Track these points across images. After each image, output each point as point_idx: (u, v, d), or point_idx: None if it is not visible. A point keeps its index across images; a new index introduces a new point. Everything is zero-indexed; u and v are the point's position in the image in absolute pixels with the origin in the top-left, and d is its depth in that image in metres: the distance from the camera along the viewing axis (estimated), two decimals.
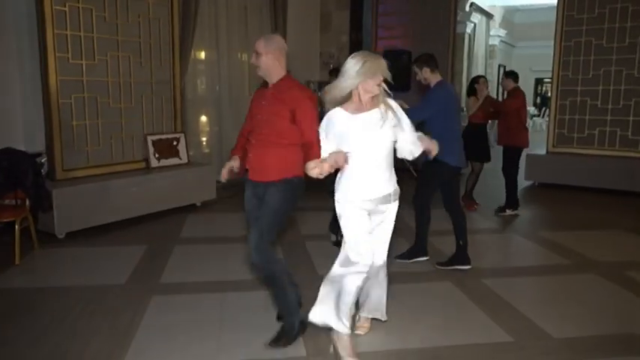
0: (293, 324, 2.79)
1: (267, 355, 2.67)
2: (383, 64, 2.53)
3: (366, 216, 2.62)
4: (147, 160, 5.67)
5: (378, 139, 2.54)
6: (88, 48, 5.03)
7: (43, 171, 4.76)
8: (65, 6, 4.79)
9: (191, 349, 2.71)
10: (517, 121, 5.71)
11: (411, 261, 4.20)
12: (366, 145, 2.53)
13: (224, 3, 7.08)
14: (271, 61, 2.72)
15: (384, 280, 2.88)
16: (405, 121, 2.66)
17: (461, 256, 4.05)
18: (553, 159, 7.49)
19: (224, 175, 2.91)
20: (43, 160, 4.87)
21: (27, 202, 4.17)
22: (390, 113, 2.57)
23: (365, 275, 2.57)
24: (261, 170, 2.78)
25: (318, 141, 2.63)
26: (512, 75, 5.93)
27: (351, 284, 2.54)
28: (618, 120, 7.07)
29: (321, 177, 2.47)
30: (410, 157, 2.74)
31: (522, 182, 7.58)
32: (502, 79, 6.09)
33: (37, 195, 4.20)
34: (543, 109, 18.74)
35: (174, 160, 5.87)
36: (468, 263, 4.04)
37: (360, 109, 2.55)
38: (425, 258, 4.23)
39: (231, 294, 3.44)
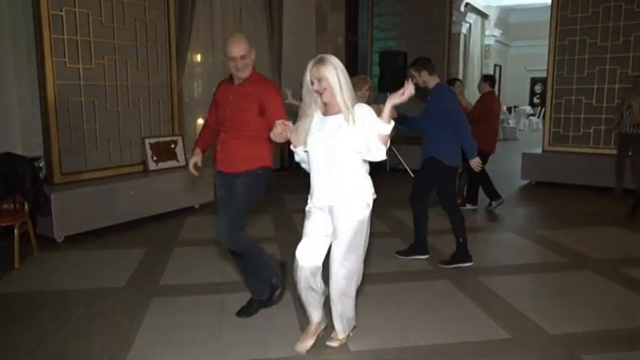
0: (277, 280, 3.12)
1: (268, 355, 2.69)
2: None
3: (320, 216, 2.57)
4: (145, 163, 5.69)
5: (328, 145, 2.46)
6: (85, 52, 5.05)
7: (42, 175, 4.77)
8: (62, 10, 4.80)
9: (191, 351, 2.73)
10: (485, 125, 5.58)
11: (409, 258, 4.25)
12: (316, 149, 2.50)
13: (219, 6, 7.11)
14: (251, 61, 2.92)
15: (334, 293, 2.61)
16: (366, 123, 2.42)
17: (462, 253, 4.09)
18: (549, 158, 7.53)
19: (193, 173, 3.07)
20: (41, 164, 4.89)
21: (26, 207, 4.19)
22: (351, 119, 2.42)
23: (299, 274, 2.59)
24: (228, 162, 2.97)
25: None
26: (488, 79, 5.92)
27: (295, 278, 2.64)
28: (613, 118, 7.12)
29: (284, 139, 2.49)
30: (370, 156, 2.45)
31: (519, 181, 7.65)
32: (480, 82, 6.04)
33: (35, 199, 4.22)
34: (540, 108, 18.82)
35: (172, 163, 5.89)
36: (470, 260, 4.08)
37: (328, 112, 2.52)
38: (425, 256, 4.26)
39: (230, 295, 3.45)
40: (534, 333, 2.96)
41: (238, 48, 2.84)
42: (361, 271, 2.67)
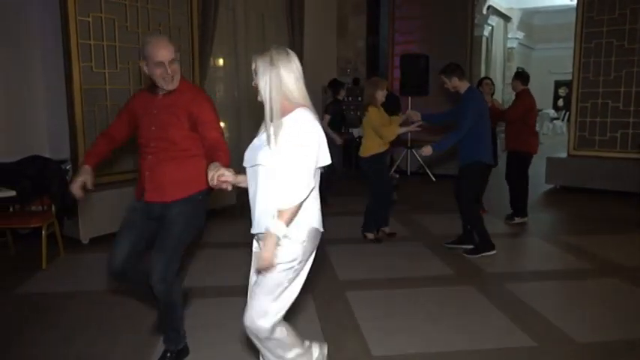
0: (182, 347, 2.64)
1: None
2: None
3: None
4: None
5: (251, 160, 1.92)
6: (111, 56, 5.14)
7: (68, 177, 4.86)
8: (89, 16, 4.90)
9: (214, 352, 2.74)
10: (523, 125, 5.38)
11: (479, 256, 4.34)
12: (245, 161, 1.98)
13: (242, 11, 7.17)
14: (179, 66, 2.44)
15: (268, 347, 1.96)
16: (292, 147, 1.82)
17: (466, 237, 4.52)
18: (574, 162, 7.39)
19: (78, 194, 2.44)
20: (67, 167, 4.98)
21: (53, 209, 4.27)
22: (272, 137, 1.83)
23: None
24: (159, 190, 2.43)
25: (224, 142, 2.33)
26: (520, 76, 5.62)
27: None
28: None
29: (228, 189, 1.99)
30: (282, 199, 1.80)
31: (543, 186, 7.52)
32: (512, 80, 5.81)
33: (62, 201, 4.30)
34: (564, 112, 18.51)
35: None
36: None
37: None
38: (492, 252, 4.36)
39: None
40: (561, 341, 2.90)
41: (167, 51, 2.35)
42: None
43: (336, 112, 6.30)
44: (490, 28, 13.54)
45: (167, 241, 2.40)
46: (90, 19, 4.92)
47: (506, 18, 14.82)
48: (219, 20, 6.52)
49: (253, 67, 1.89)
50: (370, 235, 4.85)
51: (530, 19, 17.95)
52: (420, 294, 3.59)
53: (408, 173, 8.24)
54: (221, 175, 1.94)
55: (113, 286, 3.66)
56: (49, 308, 3.34)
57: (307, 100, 1.91)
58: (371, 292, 3.64)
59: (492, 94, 5.81)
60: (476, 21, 9.21)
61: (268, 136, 1.85)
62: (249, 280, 2.06)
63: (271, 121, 1.84)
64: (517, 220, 5.57)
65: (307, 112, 1.88)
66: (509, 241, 5.05)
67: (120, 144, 2.66)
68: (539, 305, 3.37)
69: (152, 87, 2.48)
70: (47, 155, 4.76)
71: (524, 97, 5.46)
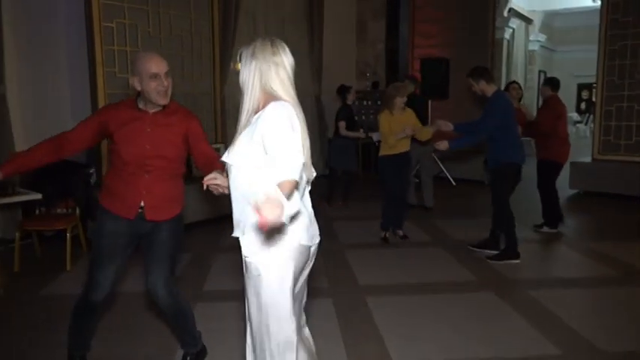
0: (201, 348, 2.69)
1: None
2: None
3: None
4: (190, 169, 5.80)
5: (229, 158, 1.80)
6: None
7: (92, 181, 4.95)
8: (113, 22, 4.99)
9: (239, 354, 2.75)
10: (553, 134, 5.13)
11: (503, 262, 4.29)
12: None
13: (262, 17, 7.23)
14: (171, 80, 2.33)
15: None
16: (263, 140, 1.68)
17: (492, 242, 4.50)
18: (599, 167, 7.24)
19: None
20: (91, 171, 5.07)
21: (77, 211, 4.35)
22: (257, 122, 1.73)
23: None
24: (158, 208, 2.39)
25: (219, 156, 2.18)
26: (551, 82, 5.40)
27: None
28: None
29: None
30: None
31: (567, 191, 7.38)
32: (541, 86, 5.69)
33: (87, 204, 4.38)
34: (587, 115, 18.20)
35: None
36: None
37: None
38: (517, 261, 4.30)
39: None
40: (587, 350, 2.84)
41: (162, 63, 2.27)
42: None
43: (348, 116, 6.44)
44: (511, 30, 13.38)
45: (165, 252, 2.43)
46: (114, 25, 5.01)
47: (527, 20, 14.64)
48: (239, 25, 6.58)
49: (238, 58, 1.83)
50: (381, 234, 4.93)
51: (552, 21, 17.69)
52: (442, 300, 3.55)
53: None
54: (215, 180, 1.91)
55: (136, 289, 3.71)
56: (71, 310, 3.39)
57: (291, 95, 1.76)
58: (391, 297, 3.62)
59: (520, 99, 5.61)
60: (497, 23, 9.11)
61: (239, 131, 1.78)
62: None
63: (244, 113, 1.77)
64: (545, 229, 5.42)
65: (281, 105, 1.70)
66: (533, 247, 4.97)
67: (64, 156, 2.42)
68: (564, 313, 3.31)
69: (134, 101, 2.38)
70: (72, 159, 4.85)
71: (554, 105, 5.26)
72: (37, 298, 3.63)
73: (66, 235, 4.15)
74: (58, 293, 3.72)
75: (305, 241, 1.80)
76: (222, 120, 6.27)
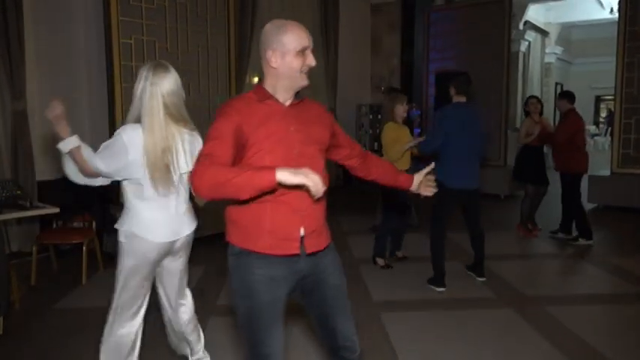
0: None
1: None
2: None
3: None
4: None
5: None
6: None
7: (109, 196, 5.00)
8: (131, 38, 5.08)
9: None
10: (571, 147, 5.20)
11: (430, 287, 4.05)
12: None
13: None
14: None
15: None
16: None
17: (478, 267, 4.23)
18: (618, 180, 7.12)
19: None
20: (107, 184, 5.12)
21: (94, 225, 4.39)
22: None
23: None
24: (318, 234, 1.77)
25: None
26: (567, 96, 5.39)
27: None
28: None
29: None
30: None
31: (585, 205, 7.22)
32: (557, 99, 5.64)
33: (103, 218, 4.42)
34: (605, 127, 17.94)
35: None
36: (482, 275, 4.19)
37: None
38: (442, 289, 3.99)
39: (288, 317, 3.44)
40: None
41: (308, 35, 1.71)
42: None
43: None
44: (527, 43, 13.31)
45: (344, 299, 1.89)
46: (132, 42, 5.10)
47: (543, 33, 14.56)
48: (254, 39, 6.65)
49: None
50: (380, 261, 4.60)
51: (569, 33, 17.57)
52: (458, 316, 3.50)
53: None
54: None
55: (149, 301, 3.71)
56: (88, 323, 3.40)
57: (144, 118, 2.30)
58: (406, 313, 3.57)
59: (541, 113, 5.53)
60: (512, 36, 9.08)
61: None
62: None
63: None
64: (582, 241, 5.36)
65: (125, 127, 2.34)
66: (551, 262, 4.88)
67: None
68: (582, 330, 3.23)
69: (264, 92, 1.76)
70: None
71: (572, 118, 5.26)
72: (52, 311, 3.66)
73: (82, 249, 4.19)
74: (73, 307, 3.74)
75: (139, 233, 2.40)
76: None
